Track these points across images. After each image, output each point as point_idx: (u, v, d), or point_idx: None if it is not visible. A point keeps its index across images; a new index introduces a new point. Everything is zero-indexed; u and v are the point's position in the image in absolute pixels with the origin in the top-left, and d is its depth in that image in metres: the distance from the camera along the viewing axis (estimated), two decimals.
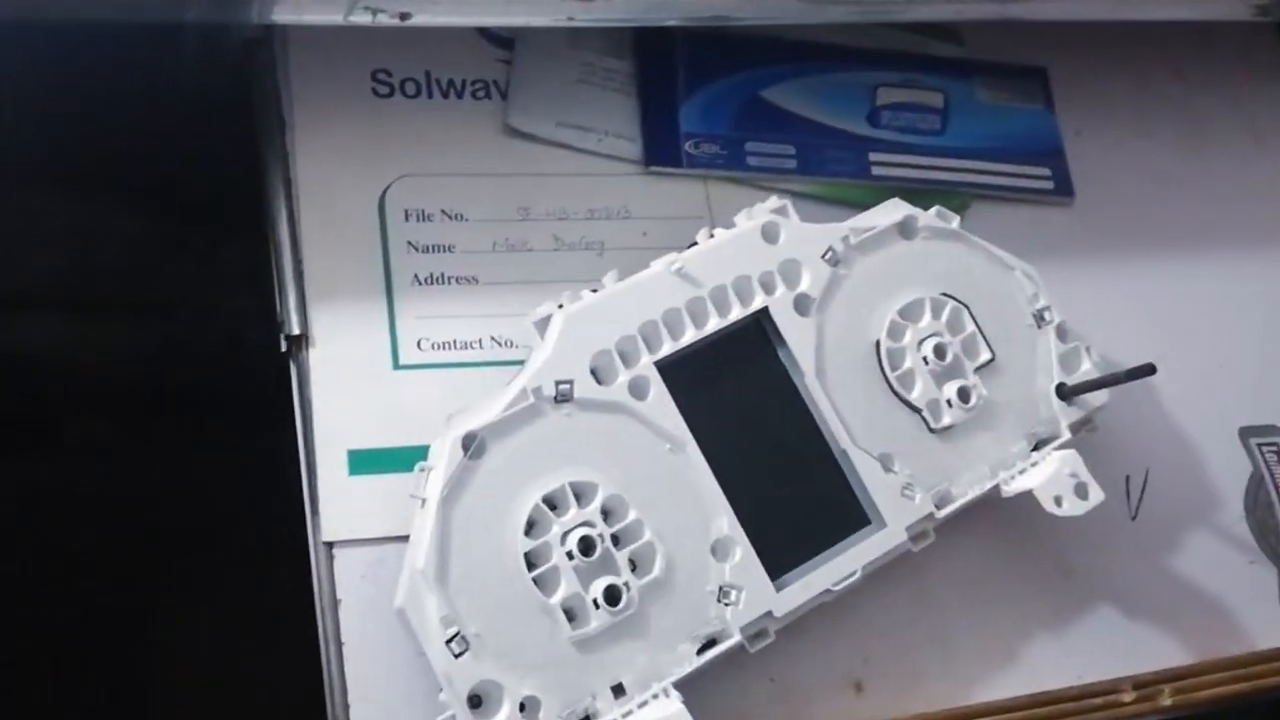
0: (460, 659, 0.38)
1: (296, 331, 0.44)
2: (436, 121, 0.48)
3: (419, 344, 0.45)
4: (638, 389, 0.42)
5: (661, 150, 0.50)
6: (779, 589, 0.41)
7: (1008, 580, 0.48)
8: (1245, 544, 0.51)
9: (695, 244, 0.44)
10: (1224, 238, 0.57)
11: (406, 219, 0.46)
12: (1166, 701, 0.47)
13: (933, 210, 0.48)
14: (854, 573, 0.42)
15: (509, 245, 0.47)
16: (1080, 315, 0.49)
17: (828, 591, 0.42)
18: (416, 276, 0.46)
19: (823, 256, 0.45)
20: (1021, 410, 0.46)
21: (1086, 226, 0.55)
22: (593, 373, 0.41)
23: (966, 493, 0.45)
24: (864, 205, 0.51)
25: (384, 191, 0.47)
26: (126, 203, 0.66)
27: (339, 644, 0.42)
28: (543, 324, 0.42)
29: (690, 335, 0.43)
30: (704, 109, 0.50)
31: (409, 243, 0.46)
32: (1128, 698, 0.46)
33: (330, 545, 0.42)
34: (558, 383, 0.41)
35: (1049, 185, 0.54)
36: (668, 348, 0.42)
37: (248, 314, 0.84)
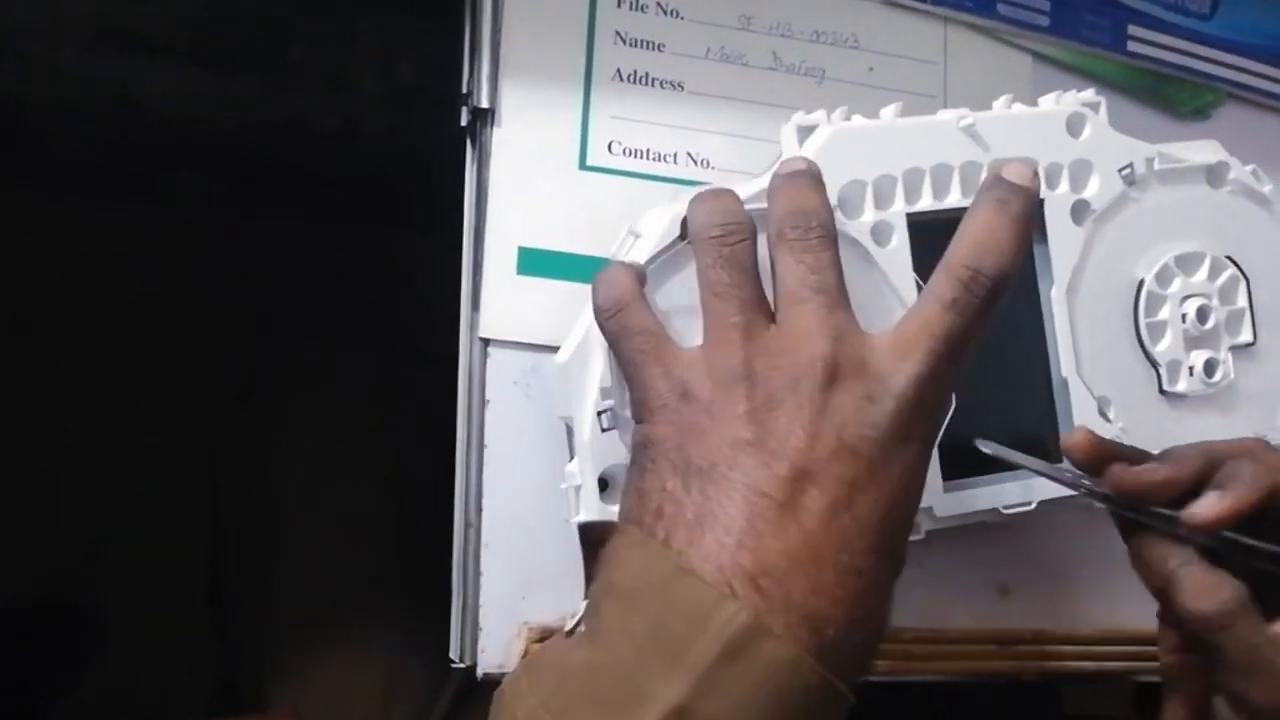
0: (606, 434, 0.36)
1: (485, 105, 0.40)
2: None
3: (610, 146, 0.41)
4: (880, 233, 0.38)
5: None
6: (947, 490, 0.39)
7: None
8: None
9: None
10: None
11: (619, 5, 0.42)
12: None
13: (1249, 167, 0.43)
14: (1029, 504, 0.39)
15: (723, 55, 0.42)
16: None
17: (995, 511, 0.39)
18: (619, 72, 0.41)
19: (1120, 170, 0.41)
20: (1263, 407, 0.42)
21: None
22: (839, 200, 0.38)
23: None
24: (1111, 81, 0.46)
25: None
26: None
27: (481, 447, 0.39)
28: (805, 132, 0.38)
29: (953, 199, 0.39)
30: None
31: (617, 33, 0.41)
32: None
33: (486, 343, 0.40)
34: None
35: None
36: (925, 203, 0.39)
37: (376, 97, 0.80)
